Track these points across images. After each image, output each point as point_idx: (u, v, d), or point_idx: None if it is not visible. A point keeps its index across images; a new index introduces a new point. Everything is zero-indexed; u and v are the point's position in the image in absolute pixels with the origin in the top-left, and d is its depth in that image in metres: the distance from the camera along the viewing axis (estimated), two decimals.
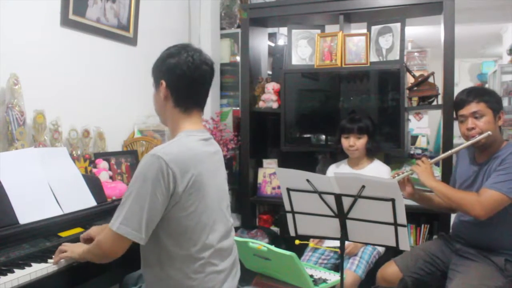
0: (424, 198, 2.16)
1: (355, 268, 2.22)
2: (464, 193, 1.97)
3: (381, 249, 2.39)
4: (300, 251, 2.30)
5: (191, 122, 1.48)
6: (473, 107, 2.00)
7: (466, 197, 1.92)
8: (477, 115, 1.99)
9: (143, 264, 1.46)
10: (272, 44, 3.54)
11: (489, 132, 1.95)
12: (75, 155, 2.18)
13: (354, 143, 2.48)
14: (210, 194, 1.43)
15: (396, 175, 2.08)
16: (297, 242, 2.32)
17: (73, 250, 1.48)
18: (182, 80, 1.43)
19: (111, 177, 2.27)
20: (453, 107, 2.58)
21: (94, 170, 2.20)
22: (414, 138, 2.98)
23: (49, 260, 1.48)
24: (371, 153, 2.55)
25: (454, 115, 2.21)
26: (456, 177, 2.20)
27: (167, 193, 1.32)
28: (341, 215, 1.65)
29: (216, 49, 3.37)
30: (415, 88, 2.79)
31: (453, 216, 2.36)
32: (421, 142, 2.96)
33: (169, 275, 1.39)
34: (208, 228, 1.42)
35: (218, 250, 1.45)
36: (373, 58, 2.78)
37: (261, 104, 3.07)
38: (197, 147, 1.43)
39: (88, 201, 1.89)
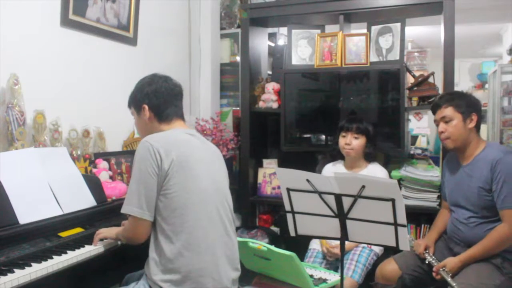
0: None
1: (351, 274, 2.18)
2: (493, 235, 1.93)
3: (379, 250, 2.36)
4: (300, 251, 2.29)
5: (177, 126, 1.70)
6: (442, 111, 2.06)
7: (497, 237, 1.91)
8: (446, 119, 2.04)
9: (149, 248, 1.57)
10: (272, 44, 3.54)
11: None
12: (75, 155, 2.18)
13: (350, 141, 2.42)
14: (202, 178, 1.57)
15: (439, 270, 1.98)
16: None
17: (109, 231, 1.69)
18: (161, 100, 1.68)
19: (111, 177, 2.26)
20: None
21: (94, 170, 2.20)
22: (414, 138, 2.98)
23: (86, 246, 1.63)
24: (369, 157, 2.49)
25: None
26: (445, 180, 2.23)
27: (158, 169, 1.50)
28: (341, 215, 1.65)
29: (216, 49, 3.37)
30: (415, 88, 2.79)
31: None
32: (421, 142, 2.96)
33: (162, 252, 1.50)
34: (198, 209, 1.53)
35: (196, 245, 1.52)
36: (373, 58, 2.78)
37: (261, 104, 3.07)
38: (181, 135, 1.64)
39: (88, 201, 1.90)
